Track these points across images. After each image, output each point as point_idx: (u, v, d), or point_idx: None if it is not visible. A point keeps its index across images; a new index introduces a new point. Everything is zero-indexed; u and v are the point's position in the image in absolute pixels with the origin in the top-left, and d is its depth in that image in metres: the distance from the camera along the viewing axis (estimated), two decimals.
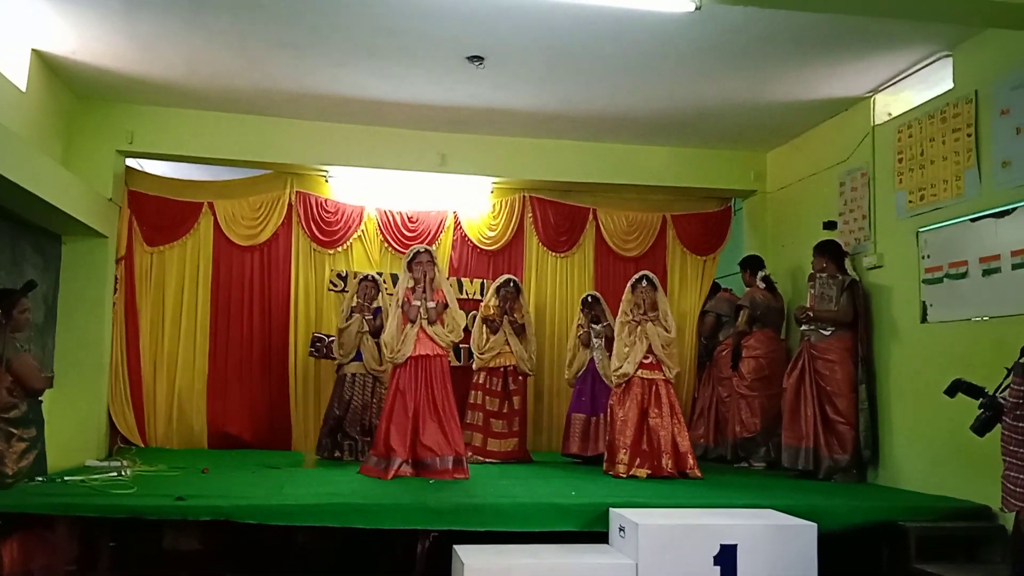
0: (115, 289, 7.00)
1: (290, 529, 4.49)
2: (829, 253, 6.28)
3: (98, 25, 5.40)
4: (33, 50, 5.81)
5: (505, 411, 6.92)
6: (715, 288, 7.91)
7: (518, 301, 7.13)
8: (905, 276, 5.76)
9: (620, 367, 6.13)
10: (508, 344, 6.96)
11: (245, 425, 7.23)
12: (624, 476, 5.85)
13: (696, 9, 4.24)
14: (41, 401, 5.08)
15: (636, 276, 6.35)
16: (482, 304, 7.23)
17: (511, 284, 7.12)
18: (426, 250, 5.98)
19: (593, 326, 7.00)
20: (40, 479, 4.86)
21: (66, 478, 5.02)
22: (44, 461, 5.02)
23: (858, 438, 5.95)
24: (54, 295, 6.55)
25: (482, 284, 7.70)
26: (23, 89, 5.75)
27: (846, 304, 6.10)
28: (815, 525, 4.30)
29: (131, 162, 7.32)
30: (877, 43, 5.41)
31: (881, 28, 5.12)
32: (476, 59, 5.77)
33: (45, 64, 6.04)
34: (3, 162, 4.83)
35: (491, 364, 6.96)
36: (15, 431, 4.77)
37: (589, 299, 7.14)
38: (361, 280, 6.95)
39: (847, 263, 6.32)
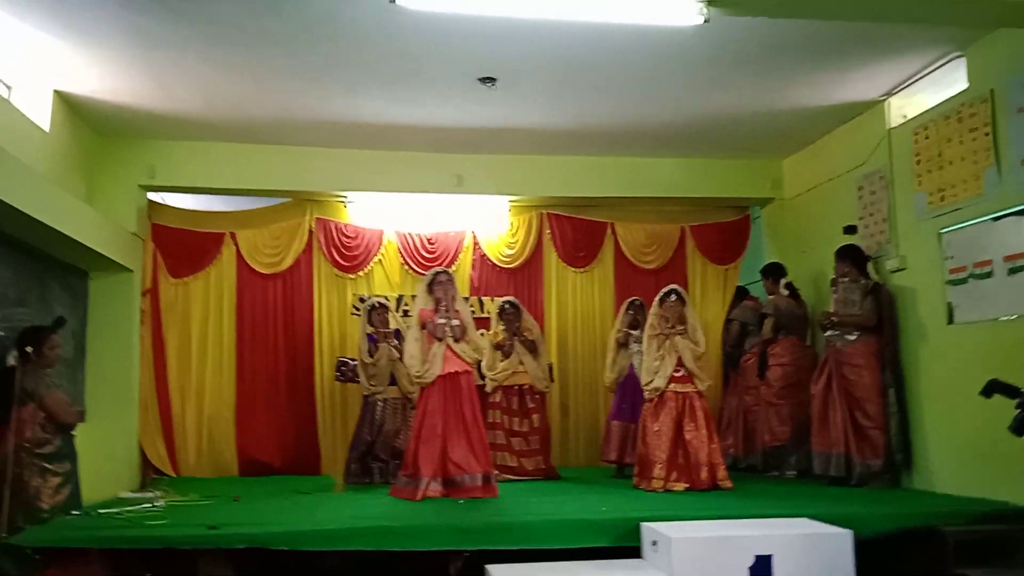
0: (142, 321, 7.09)
1: (322, 554, 4.50)
2: (851, 258, 6.25)
3: (116, 64, 5.51)
4: (55, 91, 5.93)
5: (525, 429, 6.90)
6: (741, 293, 7.86)
7: (520, 320, 7.10)
8: (929, 278, 5.72)
9: (651, 381, 6.11)
10: (522, 364, 6.95)
11: (274, 451, 7.28)
12: (661, 490, 5.81)
13: (704, 22, 4.25)
14: (74, 436, 5.14)
15: (664, 290, 6.32)
16: (490, 333, 7.23)
17: (508, 306, 7.10)
18: (445, 271, 6.06)
19: (631, 331, 6.96)
20: (75, 513, 4.91)
21: (100, 511, 5.06)
22: (79, 495, 5.07)
23: (890, 443, 5.88)
24: (82, 330, 6.65)
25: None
26: (47, 129, 5.87)
27: (870, 308, 6.05)
28: (851, 532, 4.24)
29: (153, 196, 7.43)
30: (888, 47, 5.40)
31: (892, 32, 5.11)
32: (488, 80, 5.82)
33: (67, 104, 6.16)
34: (30, 202, 4.93)
35: (505, 383, 6.95)
36: (49, 466, 4.82)
37: (636, 303, 7.08)
38: (371, 309, 6.93)
39: (869, 267, 6.27)
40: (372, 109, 6.40)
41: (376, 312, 6.92)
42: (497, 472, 6.37)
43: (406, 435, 6.51)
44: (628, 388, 6.89)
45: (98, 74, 5.67)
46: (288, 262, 7.56)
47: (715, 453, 6.00)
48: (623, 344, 7.00)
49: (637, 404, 6.68)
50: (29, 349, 4.80)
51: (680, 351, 6.09)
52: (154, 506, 5.27)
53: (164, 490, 5.93)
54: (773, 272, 7.23)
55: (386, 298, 7.31)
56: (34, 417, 4.79)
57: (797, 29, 5.02)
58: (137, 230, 7.02)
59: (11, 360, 4.87)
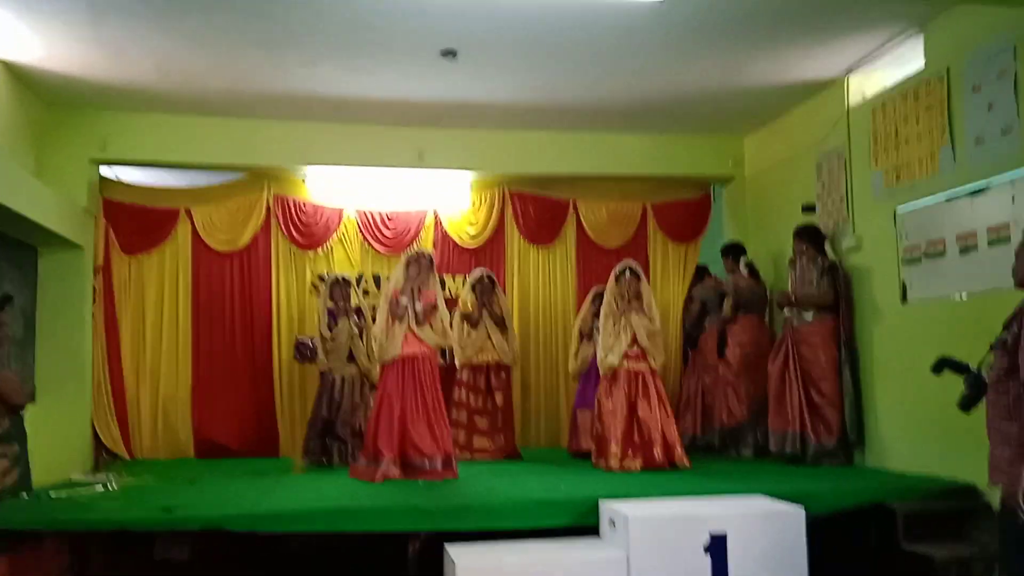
0: (94, 300, 6.93)
1: (282, 537, 4.47)
2: (808, 237, 6.30)
3: (65, 32, 5.32)
4: (0, 60, 5.73)
5: (488, 408, 6.92)
6: (701, 272, 7.87)
7: (494, 294, 7.11)
8: (884, 257, 5.79)
9: (605, 358, 6.12)
10: (491, 338, 6.95)
11: (231, 433, 7.17)
12: (617, 469, 5.84)
13: None
14: (23, 416, 5.03)
15: (620, 267, 6.33)
16: (459, 302, 7.21)
17: (486, 278, 7.11)
18: (427, 253, 6.00)
19: (597, 320, 6.97)
20: (26, 496, 4.81)
21: (52, 493, 4.97)
22: (28, 477, 4.96)
23: (844, 421, 5.98)
24: (33, 308, 6.48)
25: (464, 280, 7.67)
26: None
27: (827, 287, 6.12)
28: (803, 509, 4.32)
29: (106, 171, 7.23)
30: (847, 22, 5.40)
31: (851, 7, 5.13)
32: (449, 53, 5.74)
33: (13, 74, 5.95)
34: None
35: (474, 361, 6.95)
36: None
37: (602, 292, 7.08)
38: (333, 283, 6.86)
39: (827, 246, 6.33)
40: (331, 81, 6.28)
41: (338, 287, 6.84)
42: (459, 451, 6.37)
43: (365, 412, 6.49)
44: (592, 376, 6.90)
45: (46, 43, 5.48)
46: (245, 240, 7.43)
47: (671, 431, 6.05)
48: (587, 335, 7.00)
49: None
50: None
51: (635, 328, 6.10)
52: (108, 489, 5.18)
53: (118, 472, 5.83)
54: (733, 251, 7.28)
55: (359, 277, 7.23)
56: None
57: (758, 3, 5.02)
58: (88, 205, 6.83)
59: None
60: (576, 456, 6.78)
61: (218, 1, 4.97)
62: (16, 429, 4.91)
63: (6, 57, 5.71)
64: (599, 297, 6.99)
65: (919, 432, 5.41)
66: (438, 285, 6.14)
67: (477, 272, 7.24)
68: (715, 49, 5.80)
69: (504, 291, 7.58)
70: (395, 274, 5.97)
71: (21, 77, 6.04)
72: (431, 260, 5.95)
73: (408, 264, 5.85)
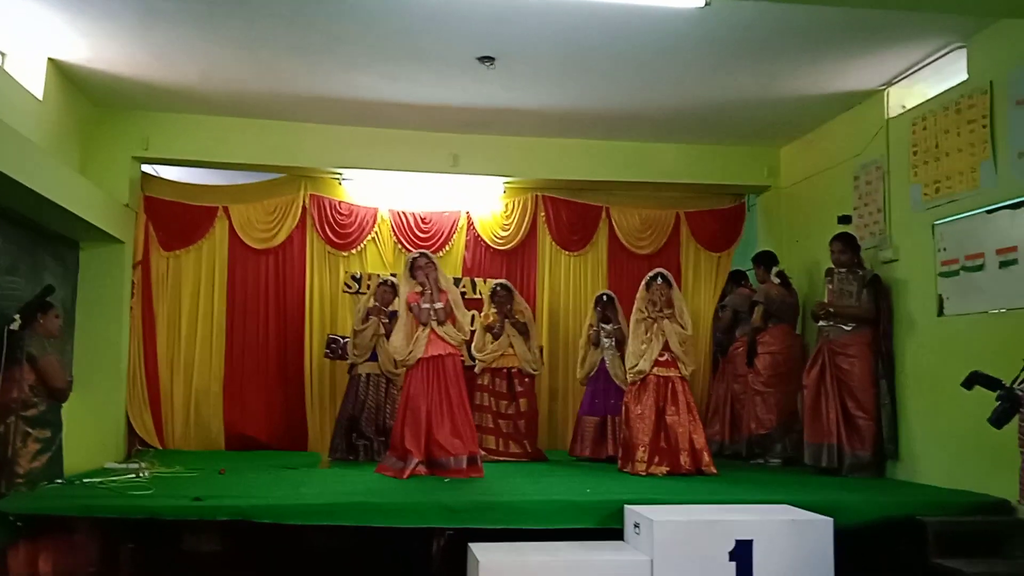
0: (132, 294, 7.07)
1: (307, 529, 4.51)
2: (849, 246, 6.20)
3: (112, 34, 5.46)
4: (49, 59, 5.88)
5: (512, 412, 6.92)
6: (738, 277, 7.73)
7: (512, 302, 7.11)
8: (921, 269, 5.72)
9: (636, 364, 6.10)
10: (512, 347, 6.96)
11: (261, 426, 7.27)
12: (643, 474, 5.82)
13: (706, 5, 4.22)
14: (61, 406, 5.14)
15: (651, 274, 6.31)
16: (481, 315, 7.23)
17: (500, 288, 7.11)
18: (424, 254, 6.05)
19: (603, 326, 6.97)
20: (59, 481, 4.91)
21: (84, 480, 5.07)
22: (60, 464, 5.07)
23: (880, 433, 5.89)
24: (72, 301, 6.63)
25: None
26: (40, 98, 5.82)
27: (868, 300, 6.03)
28: (831, 520, 4.27)
29: (147, 168, 7.39)
30: (889, 35, 5.37)
31: (894, 20, 5.08)
32: (487, 60, 5.79)
33: (61, 72, 6.11)
34: (22, 170, 4.89)
35: (494, 365, 6.97)
36: (31, 431, 4.83)
37: (604, 298, 7.11)
38: (380, 284, 7.00)
39: (863, 257, 6.26)
40: (370, 87, 6.36)
41: (382, 288, 6.95)
42: (484, 453, 6.39)
43: (390, 410, 6.54)
44: (599, 382, 6.89)
45: (94, 43, 5.62)
46: (281, 238, 7.53)
47: (699, 438, 6.01)
48: (594, 342, 6.99)
49: (607, 398, 6.70)
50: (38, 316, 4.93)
51: (667, 335, 6.08)
52: (139, 477, 5.27)
53: (150, 462, 5.92)
54: (765, 260, 7.22)
55: (395, 276, 7.31)
56: (25, 379, 4.82)
57: (799, 15, 4.99)
58: (130, 202, 6.99)
59: (14, 326, 4.88)
60: (577, 460, 6.82)
61: (260, 9, 5.08)
62: (52, 416, 5.03)
63: (56, 56, 5.86)
64: (600, 303, 7.00)
65: (952, 446, 5.32)
66: (448, 281, 6.18)
67: (493, 283, 7.25)
68: (754, 59, 5.78)
69: (533, 295, 7.60)
70: (403, 284, 6.04)
71: (69, 76, 6.20)
72: (429, 258, 6.00)
73: (412, 271, 5.89)
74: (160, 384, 7.18)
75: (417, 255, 6.03)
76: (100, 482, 4.98)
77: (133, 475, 5.32)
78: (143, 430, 7.02)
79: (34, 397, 4.85)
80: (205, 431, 7.21)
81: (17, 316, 4.89)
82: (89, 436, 6.18)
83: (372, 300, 6.93)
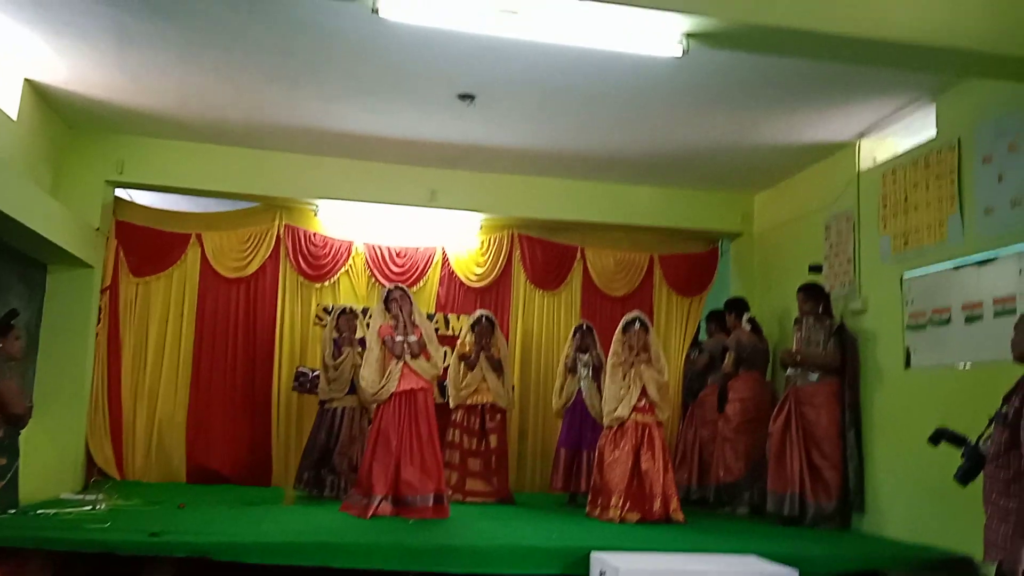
0: (99, 319, 6.95)
1: (268, 569, 4.40)
2: (815, 296, 6.28)
3: (90, 56, 5.43)
4: (26, 80, 5.83)
5: (482, 449, 6.87)
6: (717, 318, 7.56)
7: (493, 336, 7.11)
8: (889, 321, 5.78)
9: (615, 409, 6.08)
10: (485, 380, 6.93)
11: (225, 459, 7.13)
12: (617, 520, 5.76)
13: (683, 54, 4.28)
14: (19, 432, 5.01)
15: (628, 317, 6.31)
16: (458, 342, 7.21)
17: (484, 319, 7.11)
18: (399, 287, 6.03)
19: (580, 355, 6.96)
20: (12, 512, 4.77)
21: (39, 511, 4.93)
22: (15, 492, 4.93)
23: (845, 485, 5.91)
24: (37, 324, 6.51)
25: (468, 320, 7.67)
26: (14, 118, 5.76)
27: (834, 349, 6.09)
28: (797, 571, 4.25)
29: (120, 193, 7.31)
30: (862, 89, 5.48)
31: (865, 75, 5.18)
32: (467, 97, 5.82)
33: (37, 93, 6.05)
34: None
35: (468, 402, 6.93)
36: None
37: (584, 327, 7.09)
38: (340, 314, 6.93)
39: (832, 306, 6.32)
40: (349, 118, 6.37)
41: (345, 317, 6.90)
42: (451, 492, 6.32)
43: (362, 445, 6.44)
44: (576, 414, 6.87)
45: (71, 65, 5.58)
46: (254, 267, 7.47)
47: (669, 484, 5.98)
48: (571, 369, 6.98)
49: (584, 430, 6.68)
50: None
51: (645, 380, 6.07)
52: (96, 509, 5.14)
53: (108, 493, 5.78)
54: (736, 307, 7.26)
55: (364, 309, 7.28)
56: None
57: (775, 66, 5.07)
58: (101, 226, 6.90)
59: None
60: (555, 491, 6.83)
61: (240, 36, 5.07)
62: (9, 442, 4.90)
63: (32, 76, 5.82)
64: (579, 331, 7.00)
65: (917, 500, 5.34)
66: (422, 315, 6.15)
67: (477, 313, 7.23)
68: (731, 108, 5.87)
69: (507, 333, 7.58)
70: (375, 316, 6.00)
71: (45, 97, 6.14)
72: (404, 291, 5.98)
73: (389, 302, 5.87)
74: (123, 413, 7.03)
75: (393, 288, 6.00)
76: (55, 513, 4.85)
77: (90, 507, 5.19)
78: (102, 460, 6.86)
79: None
80: (166, 462, 7.06)
81: None
82: (46, 464, 6.04)
83: (335, 331, 6.86)
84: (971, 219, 5.13)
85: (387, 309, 5.87)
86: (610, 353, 6.29)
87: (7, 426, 4.86)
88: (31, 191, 5.61)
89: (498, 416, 7.00)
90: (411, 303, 5.92)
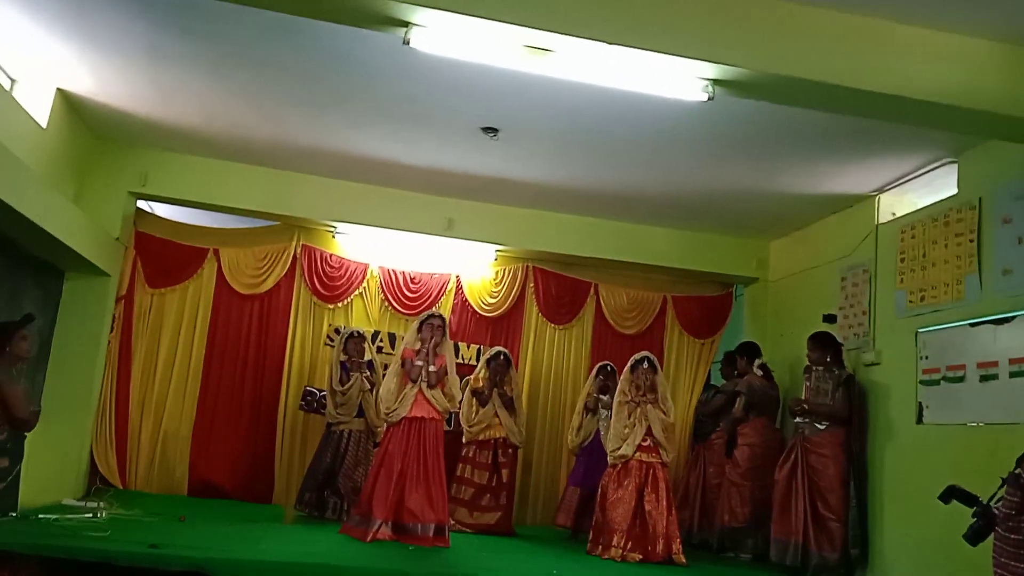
0: (112, 328, 6.99)
1: None
2: (826, 345, 6.25)
3: (123, 71, 5.52)
4: (58, 89, 5.93)
5: (494, 484, 6.84)
6: (731, 361, 7.45)
7: (508, 374, 7.10)
8: (903, 375, 5.74)
9: (619, 448, 6.04)
10: (498, 416, 6.92)
11: (227, 475, 7.11)
12: (618, 560, 5.70)
13: (708, 99, 4.32)
14: (24, 436, 5.02)
15: (637, 357, 6.31)
16: (472, 376, 7.20)
17: (502, 357, 7.11)
18: (440, 315, 6.05)
19: (601, 396, 6.92)
20: (12, 515, 4.76)
21: (40, 516, 4.92)
22: (14, 496, 4.93)
23: (847, 536, 5.84)
24: (50, 329, 6.55)
25: (479, 350, 7.68)
26: (44, 126, 5.85)
27: (842, 399, 6.05)
28: None
29: (142, 204, 7.39)
30: (884, 144, 5.52)
31: (889, 130, 5.21)
32: (491, 130, 5.88)
33: (67, 103, 6.15)
34: (16, 196, 4.89)
35: (480, 437, 6.90)
36: None
37: (608, 368, 7.06)
38: (348, 338, 6.93)
39: (844, 357, 6.28)
40: (372, 145, 6.43)
41: (353, 341, 6.89)
42: (454, 523, 6.28)
43: (366, 468, 6.41)
44: (592, 454, 6.82)
45: (101, 77, 5.67)
46: (268, 285, 7.51)
47: (672, 526, 5.93)
48: (591, 409, 6.95)
49: (597, 471, 6.62)
50: None
51: (651, 420, 6.05)
52: (96, 517, 5.12)
53: (109, 502, 5.76)
54: (748, 351, 7.22)
55: (376, 333, 7.31)
56: None
57: (798, 117, 5.10)
58: (121, 236, 6.96)
59: None
60: (557, 527, 6.81)
61: (273, 61, 5.15)
62: (13, 445, 4.91)
63: (63, 86, 5.91)
64: (603, 372, 6.98)
65: (924, 557, 5.27)
66: (451, 349, 6.15)
67: (495, 350, 7.23)
68: (752, 154, 5.91)
69: (517, 365, 7.57)
70: (408, 335, 6.02)
71: (74, 107, 6.24)
72: (444, 322, 5.98)
73: (421, 326, 5.89)
74: (129, 422, 7.04)
75: (436, 313, 6.04)
76: (55, 519, 4.83)
77: (90, 514, 5.17)
78: (106, 468, 6.85)
79: None
80: (169, 474, 7.05)
81: None
82: (49, 469, 6.04)
83: (344, 354, 6.86)
84: (989, 279, 5.12)
85: (419, 331, 5.87)
86: (617, 391, 6.28)
87: (11, 430, 4.88)
88: (54, 198, 5.67)
89: (510, 451, 6.98)
90: (444, 334, 5.92)
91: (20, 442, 4.99)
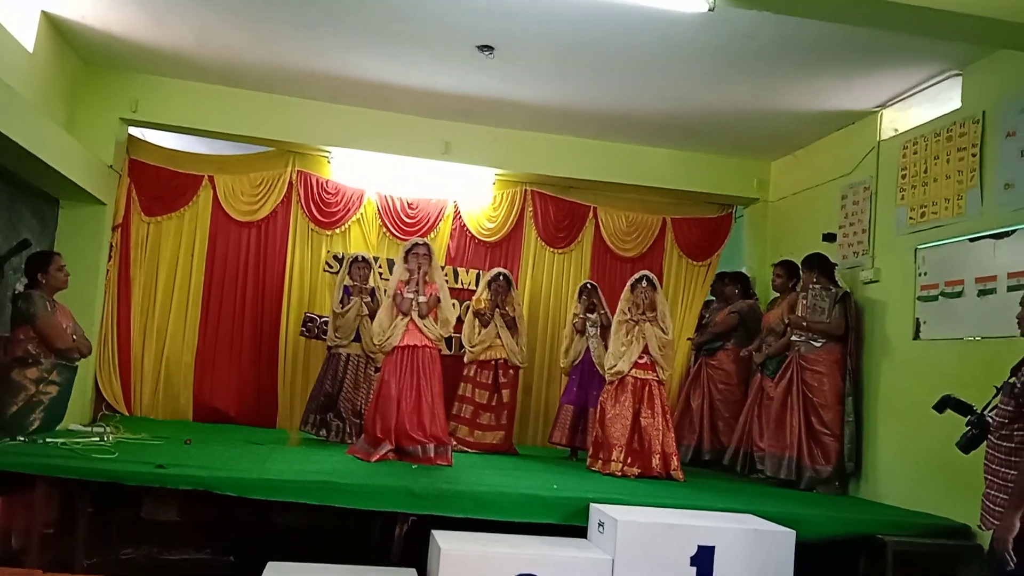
0: (109, 257, 6.97)
1: (269, 505, 4.46)
2: (818, 267, 6.22)
3: None
4: (43, 12, 5.78)
5: (494, 404, 6.93)
6: (739, 280, 7.36)
7: (509, 294, 7.12)
8: (900, 292, 5.75)
9: (615, 365, 6.09)
10: (499, 337, 6.96)
11: (231, 400, 7.21)
12: (618, 474, 5.80)
13: (709, 10, 4.22)
14: (74, 367, 5.29)
15: (636, 276, 6.31)
16: (473, 298, 7.23)
17: (502, 278, 7.11)
18: (424, 243, 5.98)
19: (588, 315, 6.95)
20: (21, 439, 4.84)
21: (47, 440, 4.99)
22: (54, 424, 5.22)
23: (842, 450, 5.94)
24: None
25: (478, 275, 7.69)
26: (30, 50, 5.72)
27: (838, 316, 6.08)
28: (793, 532, 4.29)
29: (134, 131, 7.29)
30: (888, 58, 5.41)
31: (893, 43, 5.11)
32: (486, 48, 5.76)
33: (54, 27, 6.00)
34: (7, 122, 4.81)
35: (482, 357, 6.96)
36: (32, 388, 4.99)
37: (588, 286, 7.06)
38: (353, 261, 6.84)
39: (838, 275, 6.27)
40: (365, 67, 6.31)
41: (358, 265, 6.82)
42: (456, 443, 6.38)
43: (367, 392, 6.49)
44: (583, 372, 6.87)
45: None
46: (265, 212, 7.47)
47: (669, 443, 6.01)
48: (580, 330, 6.96)
49: (589, 389, 6.69)
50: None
51: (648, 338, 6.08)
52: (103, 441, 5.20)
53: (115, 426, 5.84)
54: (743, 281, 7.22)
55: (375, 258, 7.26)
56: (29, 338, 5.00)
57: (801, 29, 4.99)
58: (114, 163, 6.89)
59: (19, 286, 5.00)
60: (553, 445, 6.92)
61: None
62: (59, 376, 5.18)
63: (48, 9, 5.76)
64: (585, 291, 6.99)
65: (917, 469, 5.37)
66: (441, 276, 6.13)
67: (495, 271, 7.23)
68: (752, 71, 5.79)
69: (517, 289, 7.58)
70: (396, 267, 5.98)
71: (61, 31, 6.09)
72: (429, 249, 5.94)
73: (407, 257, 5.85)
74: (131, 350, 7.09)
75: (419, 242, 5.96)
76: (62, 443, 4.90)
77: (97, 438, 5.25)
78: (111, 395, 6.94)
79: (37, 356, 4.98)
80: (173, 401, 7.14)
81: (23, 279, 4.89)
82: None
83: (348, 278, 6.85)
84: (990, 193, 5.08)
85: (405, 261, 5.85)
86: (617, 311, 6.29)
87: (57, 360, 5.12)
88: (46, 124, 5.59)
89: (511, 372, 7.03)
90: (431, 261, 5.88)
91: (66, 372, 5.21)
